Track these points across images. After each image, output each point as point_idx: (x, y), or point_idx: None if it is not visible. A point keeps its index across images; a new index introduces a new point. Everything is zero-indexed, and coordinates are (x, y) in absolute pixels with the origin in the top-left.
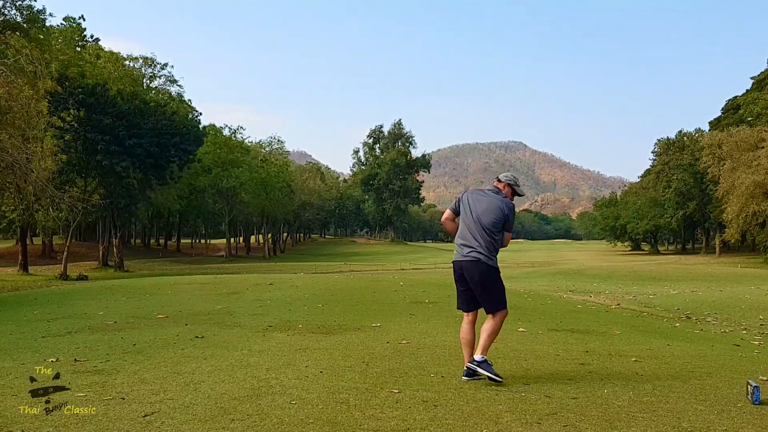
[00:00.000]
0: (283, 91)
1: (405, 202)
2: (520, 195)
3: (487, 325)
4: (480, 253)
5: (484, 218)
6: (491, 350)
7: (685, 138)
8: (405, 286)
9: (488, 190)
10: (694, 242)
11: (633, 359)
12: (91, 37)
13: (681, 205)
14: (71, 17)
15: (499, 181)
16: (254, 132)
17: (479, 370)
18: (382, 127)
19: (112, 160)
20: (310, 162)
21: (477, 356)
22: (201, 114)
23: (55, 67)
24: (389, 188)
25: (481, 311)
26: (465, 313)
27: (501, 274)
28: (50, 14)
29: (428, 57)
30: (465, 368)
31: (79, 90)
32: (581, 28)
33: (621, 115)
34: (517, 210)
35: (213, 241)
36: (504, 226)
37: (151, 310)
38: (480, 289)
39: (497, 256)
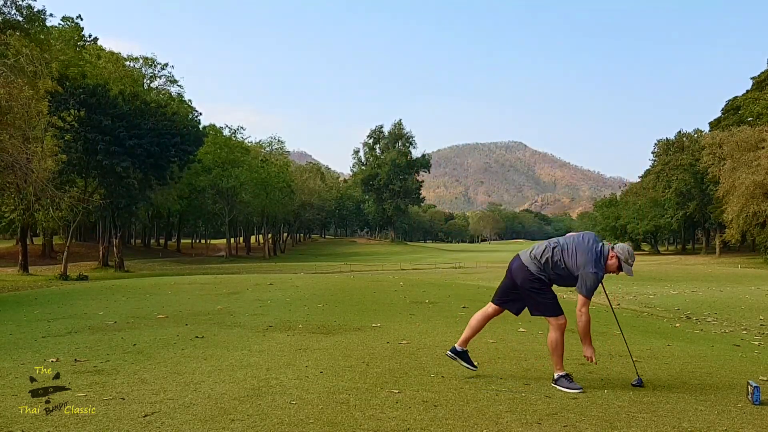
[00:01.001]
0: (283, 91)
1: (405, 203)
2: (624, 272)
3: (548, 339)
4: (533, 262)
5: (569, 252)
6: (492, 350)
7: (684, 138)
8: (405, 286)
9: (604, 244)
10: (694, 242)
11: (633, 359)
12: (89, 36)
13: (681, 205)
14: (69, 17)
15: (612, 248)
16: (254, 132)
17: (557, 387)
18: (382, 127)
19: (112, 161)
20: (310, 162)
21: (555, 374)
22: (201, 114)
23: (55, 67)
24: (389, 188)
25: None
26: (490, 302)
27: (545, 287)
28: (50, 14)
29: (428, 57)
30: (453, 346)
31: (80, 90)
32: (581, 28)
33: (621, 115)
34: (517, 210)
35: (213, 241)
36: (578, 282)
37: (151, 310)
38: (523, 292)
39: (546, 277)
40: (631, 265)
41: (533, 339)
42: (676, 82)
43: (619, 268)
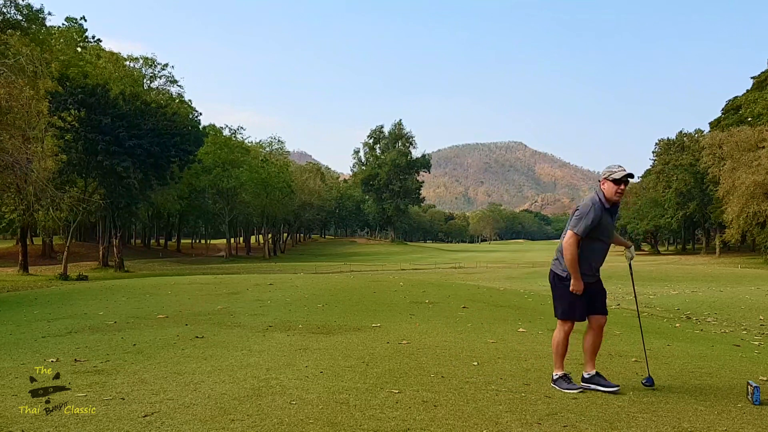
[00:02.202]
0: (283, 92)
1: (405, 203)
2: (618, 181)
3: (552, 337)
4: (554, 259)
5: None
6: (492, 350)
7: (685, 138)
8: (405, 286)
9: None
10: (694, 242)
11: (633, 359)
12: (93, 37)
13: (681, 205)
14: (73, 18)
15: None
16: (255, 132)
17: (556, 387)
18: (382, 127)
19: (112, 161)
20: (310, 162)
21: (554, 373)
22: (201, 114)
23: (55, 67)
24: (389, 188)
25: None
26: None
27: (576, 291)
28: (49, 13)
29: (428, 57)
30: (582, 374)
31: (79, 90)
32: (582, 28)
33: (621, 115)
34: (517, 210)
35: (213, 242)
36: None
37: (152, 310)
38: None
39: (566, 273)
40: (618, 170)
41: (533, 339)
42: (676, 82)
43: (617, 183)
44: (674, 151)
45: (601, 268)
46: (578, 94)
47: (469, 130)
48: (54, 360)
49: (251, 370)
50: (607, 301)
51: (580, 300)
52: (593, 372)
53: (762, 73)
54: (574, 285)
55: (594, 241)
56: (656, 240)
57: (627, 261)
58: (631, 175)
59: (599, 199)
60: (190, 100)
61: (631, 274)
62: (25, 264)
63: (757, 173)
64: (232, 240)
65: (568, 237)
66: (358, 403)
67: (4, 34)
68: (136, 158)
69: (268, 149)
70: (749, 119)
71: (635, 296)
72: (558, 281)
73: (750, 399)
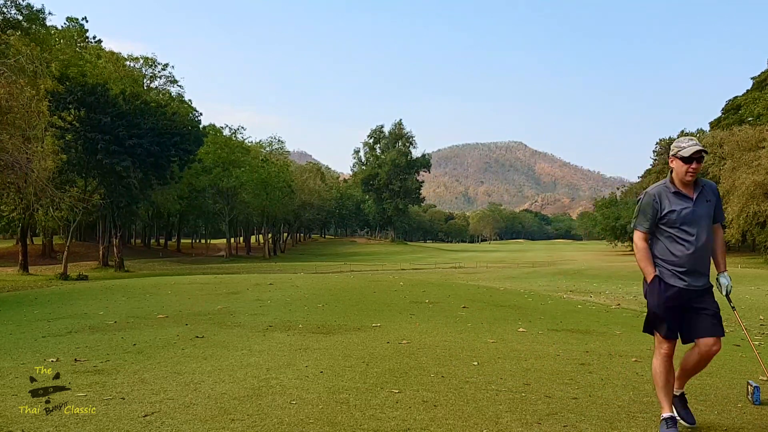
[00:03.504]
0: (283, 92)
1: (405, 202)
2: (688, 159)
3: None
4: None
5: None
6: (492, 350)
7: None
8: (405, 286)
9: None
10: None
11: (633, 359)
12: (94, 38)
13: None
14: (74, 18)
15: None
16: (256, 132)
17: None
18: (382, 127)
19: (112, 160)
20: (310, 162)
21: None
22: (201, 114)
23: (55, 66)
24: (389, 188)
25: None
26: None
27: (652, 289)
28: (49, 13)
29: (428, 57)
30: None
31: (78, 88)
32: (582, 28)
33: (621, 115)
34: (517, 210)
35: (213, 241)
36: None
37: (152, 310)
38: None
39: (657, 260)
40: (687, 145)
41: (533, 339)
42: (676, 82)
43: (686, 162)
44: None
45: (601, 268)
46: (578, 94)
47: (469, 130)
48: (54, 360)
49: (251, 370)
50: (711, 319)
51: (667, 310)
52: (679, 392)
53: (762, 73)
54: (647, 276)
55: (668, 231)
56: None
57: (722, 293)
58: (705, 151)
59: (665, 183)
60: (190, 100)
61: (733, 309)
62: (25, 264)
63: (757, 173)
64: (232, 240)
65: (635, 238)
66: (358, 403)
67: (4, 34)
68: (136, 158)
69: (268, 149)
70: (749, 119)
71: (754, 351)
72: (644, 285)
73: (750, 399)
